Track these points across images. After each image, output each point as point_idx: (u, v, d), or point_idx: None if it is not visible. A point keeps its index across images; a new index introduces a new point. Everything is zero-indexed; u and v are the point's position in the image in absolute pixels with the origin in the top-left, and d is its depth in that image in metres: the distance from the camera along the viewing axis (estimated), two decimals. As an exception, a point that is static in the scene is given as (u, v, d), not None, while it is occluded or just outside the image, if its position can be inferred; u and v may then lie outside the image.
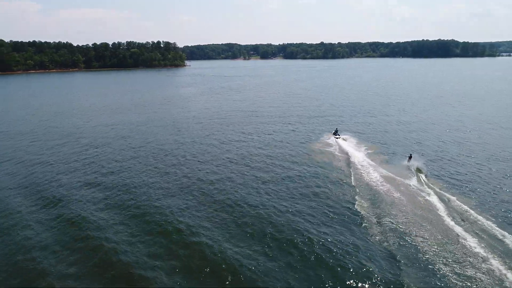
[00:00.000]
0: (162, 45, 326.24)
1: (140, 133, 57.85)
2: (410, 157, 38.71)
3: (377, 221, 26.48)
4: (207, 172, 37.97)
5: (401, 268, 21.22)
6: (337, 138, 49.46)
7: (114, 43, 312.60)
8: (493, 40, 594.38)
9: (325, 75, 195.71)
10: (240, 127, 61.18)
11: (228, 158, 43.07)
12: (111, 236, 25.32)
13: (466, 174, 36.26)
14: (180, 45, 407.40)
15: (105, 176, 37.65)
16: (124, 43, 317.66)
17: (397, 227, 25.49)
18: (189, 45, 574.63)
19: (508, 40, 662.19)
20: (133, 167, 40.37)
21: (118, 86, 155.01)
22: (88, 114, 77.94)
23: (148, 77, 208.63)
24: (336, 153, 43.66)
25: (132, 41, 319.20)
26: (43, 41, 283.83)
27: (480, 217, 26.69)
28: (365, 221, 26.62)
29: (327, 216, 27.76)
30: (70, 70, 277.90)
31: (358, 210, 28.37)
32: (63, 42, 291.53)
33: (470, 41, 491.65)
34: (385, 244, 23.57)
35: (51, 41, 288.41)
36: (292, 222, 26.65)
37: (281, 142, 50.17)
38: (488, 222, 25.96)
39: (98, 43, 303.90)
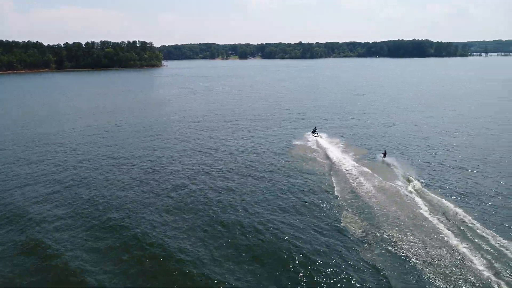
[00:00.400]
0: (138, 45, 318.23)
1: (108, 140, 54.39)
2: (384, 154, 40.49)
3: (360, 222, 26.55)
4: (179, 184, 35.38)
5: (384, 270, 21.08)
6: (315, 136, 50.89)
7: (87, 43, 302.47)
8: (465, 40, 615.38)
9: (305, 75, 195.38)
10: (219, 130, 58.83)
11: (204, 165, 40.60)
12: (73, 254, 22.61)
13: (445, 171, 37.26)
14: (158, 44, 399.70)
15: (66, 189, 34.43)
16: (98, 42, 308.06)
17: (380, 225, 25.84)
18: (166, 44, 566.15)
19: (479, 40, 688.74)
20: (97, 178, 37.27)
21: (89, 88, 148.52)
22: (53, 118, 73.33)
23: (123, 78, 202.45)
24: (315, 150, 45.41)
25: (107, 41, 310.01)
26: (10, 40, 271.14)
27: (459, 210, 27.75)
28: (347, 220, 26.91)
29: (303, 214, 28.18)
30: (41, 70, 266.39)
31: (339, 206, 29.09)
32: (33, 42, 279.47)
33: (443, 41, 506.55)
34: (369, 248, 23.40)
35: (20, 41, 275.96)
36: (272, 228, 25.98)
37: (262, 143, 50.46)
38: (466, 215, 27.00)
39: (70, 43, 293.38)
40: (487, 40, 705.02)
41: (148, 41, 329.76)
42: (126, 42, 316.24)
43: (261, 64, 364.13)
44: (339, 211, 28.38)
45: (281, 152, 45.38)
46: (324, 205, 29.44)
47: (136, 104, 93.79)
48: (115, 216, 28.43)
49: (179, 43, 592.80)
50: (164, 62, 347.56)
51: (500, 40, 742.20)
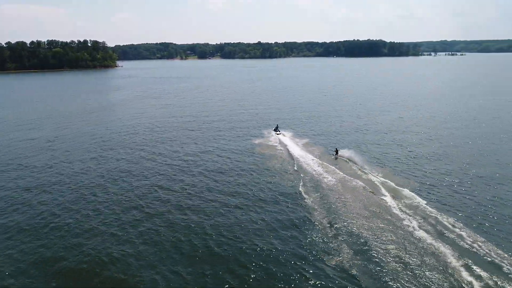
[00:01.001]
0: (89, 44, 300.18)
1: (44, 151, 47.54)
2: (336, 152, 41.91)
3: (320, 213, 27.42)
4: (131, 196, 30.39)
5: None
6: (277, 134, 52.21)
7: (32, 42, 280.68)
8: (414, 40, 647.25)
9: (268, 76, 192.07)
10: (177, 139, 53.55)
11: (157, 184, 35.64)
12: None
13: (401, 163, 39.59)
14: (113, 44, 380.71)
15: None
16: (45, 42, 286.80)
17: (340, 216, 26.81)
18: (121, 44, 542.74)
19: (428, 40, 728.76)
20: (28, 200, 31.17)
21: (32, 91, 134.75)
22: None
23: (72, 80, 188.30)
24: (276, 146, 46.83)
25: (54, 40, 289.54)
26: None
27: (417, 200, 29.26)
28: (308, 212, 27.82)
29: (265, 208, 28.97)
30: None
31: (300, 200, 29.99)
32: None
33: (396, 41, 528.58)
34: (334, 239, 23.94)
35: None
36: (231, 226, 26.06)
37: (224, 142, 50.83)
38: (418, 198, 29.40)
39: (12, 42, 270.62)
40: (434, 40, 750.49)
41: (103, 40, 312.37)
42: (76, 42, 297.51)
43: (221, 64, 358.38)
44: (300, 205, 29.11)
45: (243, 149, 46.08)
46: (285, 199, 30.13)
47: (82, 110, 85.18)
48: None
49: (135, 43, 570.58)
50: (119, 63, 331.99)
51: (445, 41, 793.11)
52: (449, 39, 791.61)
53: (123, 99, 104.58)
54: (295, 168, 37.23)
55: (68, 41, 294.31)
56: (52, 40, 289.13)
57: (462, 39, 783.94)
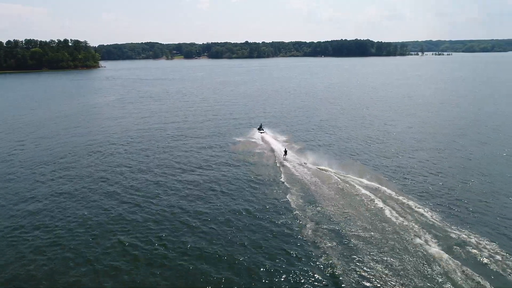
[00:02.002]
0: (70, 44, 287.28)
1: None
2: (285, 152, 42.18)
3: (301, 204, 29.39)
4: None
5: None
6: (261, 132, 53.35)
7: (9, 41, 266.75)
8: (399, 40, 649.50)
9: (260, 77, 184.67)
10: (158, 150, 46.10)
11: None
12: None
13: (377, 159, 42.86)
14: (97, 44, 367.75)
15: None
16: (22, 41, 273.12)
17: (320, 207, 28.75)
18: (106, 44, 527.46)
19: (413, 40, 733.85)
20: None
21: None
22: None
23: (50, 82, 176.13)
24: (259, 144, 48.60)
25: (33, 39, 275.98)
26: None
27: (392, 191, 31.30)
28: (289, 202, 29.85)
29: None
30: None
31: (282, 193, 31.96)
32: None
33: (383, 41, 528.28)
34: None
35: None
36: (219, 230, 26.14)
37: (210, 139, 52.86)
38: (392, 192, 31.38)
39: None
40: (419, 40, 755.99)
41: (85, 40, 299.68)
42: (57, 41, 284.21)
43: (209, 64, 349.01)
44: (282, 198, 30.89)
45: (227, 146, 48.13)
46: (268, 193, 32.09)
47: (55, 116, 76.54)
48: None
49: (120, 43, 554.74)
50: (102, 63, 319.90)
51: (431, 40, 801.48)
52: (434, 39, 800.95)
53: (99, 103, 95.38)
54: (275, 163, 39.86)
55: (48, 40, 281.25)
56: (30, 39, 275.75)
57: (447, 39, 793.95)
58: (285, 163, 39.52)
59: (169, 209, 29.36)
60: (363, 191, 31.34)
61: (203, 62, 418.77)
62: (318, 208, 28.19)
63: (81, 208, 29.98)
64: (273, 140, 49.68)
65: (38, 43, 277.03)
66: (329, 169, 37.07)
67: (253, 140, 50.76)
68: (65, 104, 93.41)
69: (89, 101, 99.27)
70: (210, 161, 41.43)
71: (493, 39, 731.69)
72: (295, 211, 28.08)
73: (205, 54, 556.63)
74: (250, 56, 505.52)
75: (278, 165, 39.10)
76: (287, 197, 30.80)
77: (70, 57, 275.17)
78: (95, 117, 74.58)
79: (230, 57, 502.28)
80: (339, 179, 34.17)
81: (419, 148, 46.33)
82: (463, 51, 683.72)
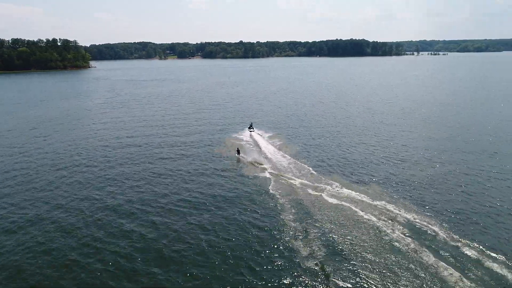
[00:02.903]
0: (59, 43, 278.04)
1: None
2: (238, 151, 43.70)
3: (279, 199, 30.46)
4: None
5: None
6: (251, 131, 54.80)
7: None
8: (394, 40, 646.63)
9: (257, 77, 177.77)
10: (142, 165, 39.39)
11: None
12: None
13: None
14: (88, 43, 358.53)
15: None
16: (8, 40, 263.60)
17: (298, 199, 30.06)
18: (97, 43, 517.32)
19: (408, 40, 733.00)
20: None
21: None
22: None
23: (35, 83, 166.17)
24: (247, 141, 50.69)
25: (20, 39, 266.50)
26: None
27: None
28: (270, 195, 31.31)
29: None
30: None
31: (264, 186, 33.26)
32: None
33: (378, 41, 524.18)
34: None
35: None
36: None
37: (200, 137, 55.16)
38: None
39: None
40: (413, 40, 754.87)
41: (74, 39, 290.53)
42: (45, 40, 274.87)
43: (203, 65, 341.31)
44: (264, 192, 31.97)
45: (214, 144, 49.78)
46: (251, 188, 33.15)
47: (30, 122, 69.38)
48: None
49: (112, 42, 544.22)
50: (92, 63, 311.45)
51: (425, 40, 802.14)
52: (427, 39, 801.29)
53: (81, 108, 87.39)
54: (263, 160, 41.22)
55: (36, 39, 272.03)
56: (17, 38, 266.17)
57: (440, 39, 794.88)
58: (241, 159, 42.40)
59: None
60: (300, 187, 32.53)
61: (197, 62, 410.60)
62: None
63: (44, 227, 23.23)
64: (259, 137, 52.49)
65: (26, 42, 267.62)
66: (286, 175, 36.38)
67: (240, 137, 53.14)
68: (40, 108, 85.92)
69: (69, 105, 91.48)
70: (188, 156, 44.16)
71: (486, 39, 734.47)
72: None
73: (199, 54, 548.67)
74: (244, 56, 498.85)
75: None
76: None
77: (59, 57, 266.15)
78: (70, 125, 67.41)
79: (224, 57, 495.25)
80: (271, 176, 35.77)
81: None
82: (457, 51, 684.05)
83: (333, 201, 29.00)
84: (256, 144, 48.38)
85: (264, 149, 45.81)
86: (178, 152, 45.43)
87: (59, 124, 66.03)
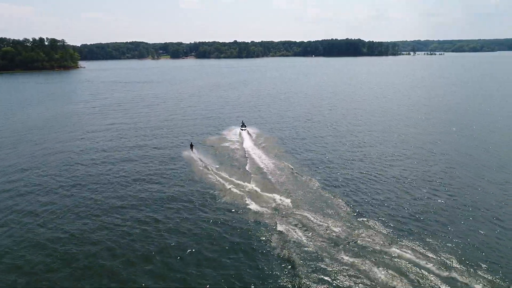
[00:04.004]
0: (46, 43, 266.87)
1: None
2: (191, 146, 45.40)
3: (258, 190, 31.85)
4: None
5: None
6: (242, 130, 55.14)
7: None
8: (388, 39, 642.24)
9: (254, 78, 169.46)
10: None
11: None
12: None
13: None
14: (79, 43, 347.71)
15: None
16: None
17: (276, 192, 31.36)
18: (89, 43, 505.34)
19: (402, 40, 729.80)
20: None
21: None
22: None
23: (18, 85, 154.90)
24: (236, 139, 51.45)
25: (4, 38, 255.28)
26: None
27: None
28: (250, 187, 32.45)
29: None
30: None
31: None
32: None
33: (374, 41, 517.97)
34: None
35: None
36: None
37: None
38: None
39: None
40: (408, 40, 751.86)
41: (62, 39, 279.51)
42: (31, 40, 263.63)
43: (197, 65, 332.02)
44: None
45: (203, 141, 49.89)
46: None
47: (12, 128, 60.40)
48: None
49: (103, 42, 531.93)
50: (82, 63, 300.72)
51: (419, 40, 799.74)
52: (422, 39, 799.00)
53: (59, 114, 78.32)
54: (244, 154, 42.81)
55: (21, 39, 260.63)
56: (1, 38, 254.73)
57: (435, 39, 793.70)
58: (192, 155, 43.23)
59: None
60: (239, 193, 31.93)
61: (191, 62, 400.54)
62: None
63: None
64: (247, 135, 53.07)
65: (11, 42, 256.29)
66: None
67: (230, 134, 54.42)
68: (14, 114, 76.83)
69: (43, 112, 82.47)
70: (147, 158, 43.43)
71: (480, 39, 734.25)
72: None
73: (193, 54, 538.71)
74: (239, 56, 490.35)
75: (244, 154, 43.13)
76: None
77: (46, 57, 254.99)
78: (45, 131, 58.56)
79: (218, 57, 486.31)
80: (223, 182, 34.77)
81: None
82: (452, 51, 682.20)
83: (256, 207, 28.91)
84: (241, 142, 48.96)
85: (245, 146, 46.79)
86: (140, 154, 44.71)
87: (26, 134, 57.15)
